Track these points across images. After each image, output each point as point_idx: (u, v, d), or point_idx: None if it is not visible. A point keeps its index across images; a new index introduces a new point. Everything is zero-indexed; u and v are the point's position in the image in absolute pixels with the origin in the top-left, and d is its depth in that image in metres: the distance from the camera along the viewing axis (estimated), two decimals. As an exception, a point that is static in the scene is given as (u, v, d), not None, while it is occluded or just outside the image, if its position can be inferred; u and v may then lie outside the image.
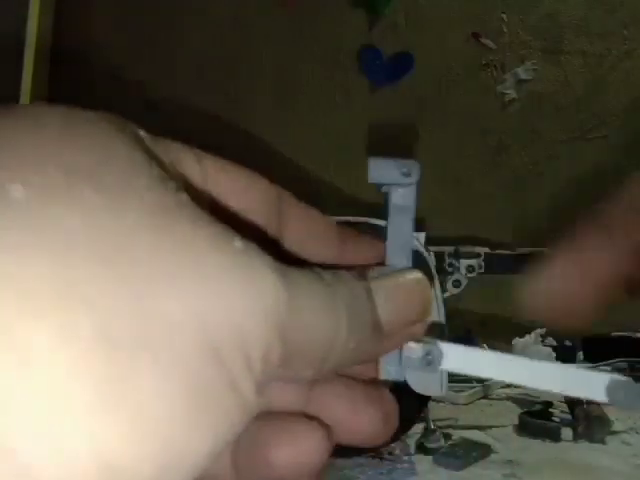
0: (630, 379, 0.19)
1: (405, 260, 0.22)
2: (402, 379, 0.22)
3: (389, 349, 0.21)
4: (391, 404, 0.21)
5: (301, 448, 0.19)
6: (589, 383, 0.20)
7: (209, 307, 0.14)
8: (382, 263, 0.22)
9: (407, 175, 0.21)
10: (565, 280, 0.19)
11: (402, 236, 0.22)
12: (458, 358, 0.21)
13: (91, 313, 0.12)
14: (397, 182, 0.21)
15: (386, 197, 0.22)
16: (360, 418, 0.20)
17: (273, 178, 0.20)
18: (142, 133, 0.17)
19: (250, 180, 0.20)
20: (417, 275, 0.21)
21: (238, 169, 0.19)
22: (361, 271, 0.19)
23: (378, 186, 0.21)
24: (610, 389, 0.19)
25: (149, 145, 0.17)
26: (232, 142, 1.12)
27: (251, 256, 0.15)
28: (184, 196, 0.15)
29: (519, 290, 0.19)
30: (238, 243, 0.15)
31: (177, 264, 0.14)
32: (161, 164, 0.16)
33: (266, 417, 0.19)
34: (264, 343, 0.15)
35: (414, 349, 0.21)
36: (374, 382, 0.21)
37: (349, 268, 0.19)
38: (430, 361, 0.21)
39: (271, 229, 0.20)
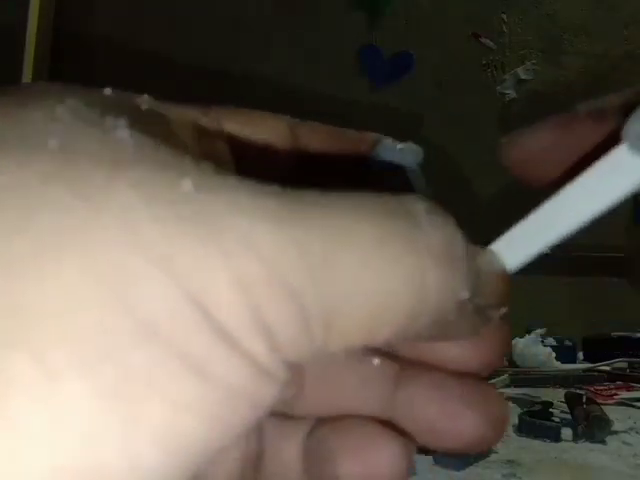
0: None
1: None
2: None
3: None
4: (496, 405, 0.17)
5: (373, 462, 0.16)
6: (619, 167, 0.15)
7: (123, 265, 0.10)
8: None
9: (377, 157, 0.22)
10: (549, 142, 0.19)
11: None
12: (510, 251, 0.17)
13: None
14: (395, 158, 0.22)
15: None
16: (457, 423, 0.16)
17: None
18: (145, 95, 0.15)
19: (260, 123, 0.19)
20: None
21: (243, 114, 0.18)
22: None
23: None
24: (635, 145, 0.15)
25: (141, 101, 0.15)
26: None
27: (207, 199, 0.11)
28: (122, 132, 0.12)
29: (509, 141, 0.21)
30: (187, 184, 0.11)
31: (74, 220, 0.11)
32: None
33: (338, 423, 0.17)
34: (246, 311, 0.11)
35: None
36: (475, 378, 0.17)
37: None
38: None
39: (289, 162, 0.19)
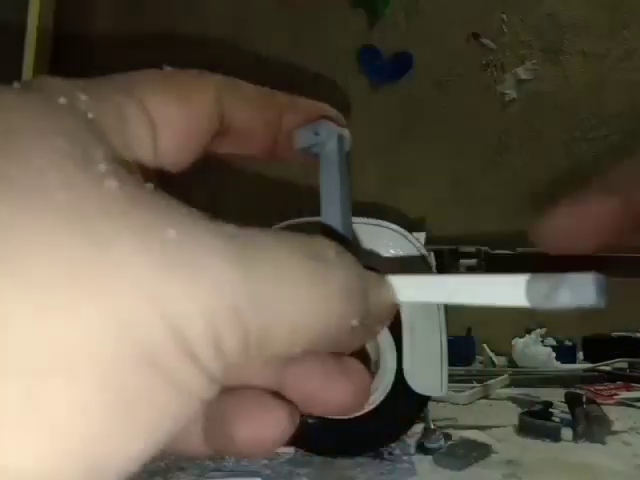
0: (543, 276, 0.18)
1: (339, 221, 0.24)
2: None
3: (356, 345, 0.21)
4: (361, 376, 0.21)
5: (263, 425, 0.20)
6: (511, 290, 0.18)
7: (130, 308, 0.13)
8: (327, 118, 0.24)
9: (317, 134, 0.24)
10: (569, 219, 0.23)
11: (333, 194, 0.25)
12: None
13: None
14: (313, 142, 0.24)
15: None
16: (332, 390, 0.20)
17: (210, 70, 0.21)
18: (82, 97, 0.16)
19: (185, 97, 0.20)
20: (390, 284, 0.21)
21: (169, 87, 0.19)
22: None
23: (306, 154, 0.24)
24: (530, 289, 0.18)
25: (87, 107, 0.16)
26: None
27: (186, 245, 0.14)
28: (112, 183, 0.14)
29: (536, 222, 0.24)
30: (171, 232, 0.14)
31: (91, 269, 0.13)
32: (97, 130, 0.16)
33: (235, 392, 0.20)
34: (208, 333, 0.14)
35: None
36: (346, 355, 0.22)
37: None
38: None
39: (214, 134, 0.21)
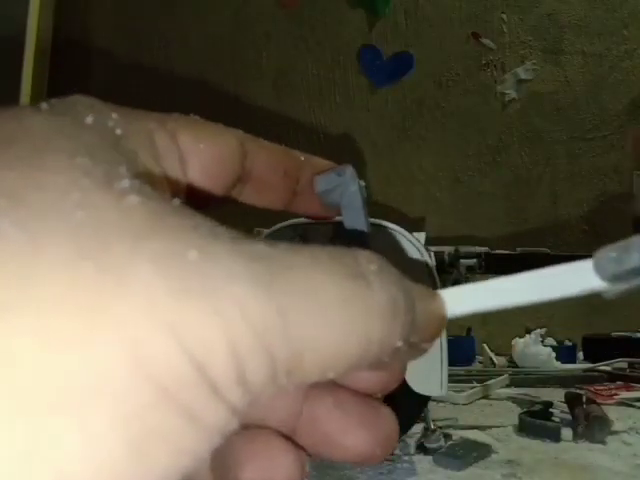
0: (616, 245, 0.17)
1: None
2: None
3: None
4: (388, 426, 0.20)
5: (270, 470, 0.19)
6: (577, 275, 0.18)
7: (146, 339, 0.12)
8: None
9: (340, 175, 0.24)
10: None
11: (357, 233, 0.25)
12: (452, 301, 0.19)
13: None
14: (336, 183, 0.24)
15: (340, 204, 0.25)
16: (351, 438, 0.19)
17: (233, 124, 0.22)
18: (113, 115, 0.17)
19: (215, 136, 0.20)
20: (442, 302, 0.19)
21: (198, 126, 0.20)
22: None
23: (326, 199, 0.25)
24: (600, 266, 0.17)
25: (116, 125, 0.16)
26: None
27: (208, 269, 0.13)
28: (133, 199, 0.14)
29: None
30: (193, 254, 0.13)
31: (105, 297, 0.12)
32: (122, 150, 0.16)
33: (246, 433, 0.19)
34: (231, 364, 0.13)
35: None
36: (374, 399, 0.20)
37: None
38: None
39: (236, 178, 0.21)
